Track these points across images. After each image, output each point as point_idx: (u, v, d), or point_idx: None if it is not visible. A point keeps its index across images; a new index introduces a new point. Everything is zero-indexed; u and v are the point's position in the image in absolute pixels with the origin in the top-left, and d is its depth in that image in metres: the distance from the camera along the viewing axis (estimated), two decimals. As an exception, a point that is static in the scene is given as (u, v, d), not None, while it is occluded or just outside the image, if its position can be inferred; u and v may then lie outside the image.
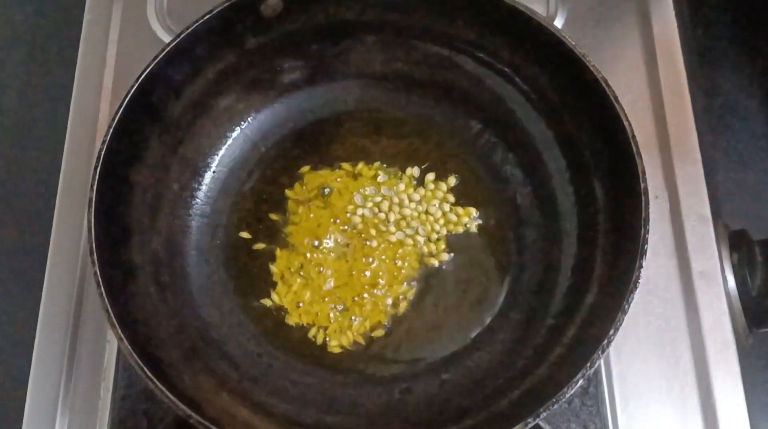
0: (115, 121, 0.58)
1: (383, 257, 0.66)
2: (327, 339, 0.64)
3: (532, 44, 0.63)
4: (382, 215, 0.67)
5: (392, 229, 0.67)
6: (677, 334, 0.66)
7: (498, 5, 0.62)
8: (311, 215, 0.68)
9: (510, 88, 0.67)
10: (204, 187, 0.68)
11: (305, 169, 0.69)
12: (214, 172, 0.69)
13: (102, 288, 0.53)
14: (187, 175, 0.67)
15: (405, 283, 0.65)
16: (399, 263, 0.66)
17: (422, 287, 0.65)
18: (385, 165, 0.70)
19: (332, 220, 0.67)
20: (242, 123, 0.70)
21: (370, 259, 0.66)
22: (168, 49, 0.60)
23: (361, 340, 0.64)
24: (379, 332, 0.64)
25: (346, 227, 0.67)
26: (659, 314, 0.67)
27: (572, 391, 0.51)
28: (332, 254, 0.66)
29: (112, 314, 0.53)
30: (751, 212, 0.77)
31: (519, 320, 0.63)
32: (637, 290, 0.53)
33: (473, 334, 0.64)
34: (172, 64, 0.61)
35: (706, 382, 0.64)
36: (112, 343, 0.66)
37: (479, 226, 0.67)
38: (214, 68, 0.66)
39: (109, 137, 0.58)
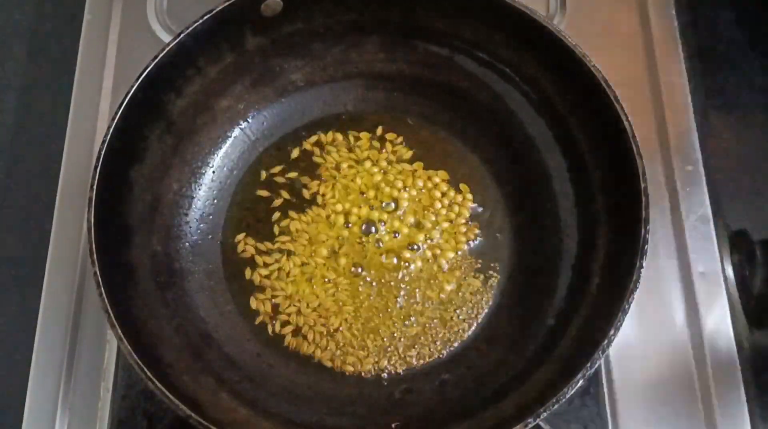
0: (115, 121, 0.58)
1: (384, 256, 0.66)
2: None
3: (533, 44, 0.63)
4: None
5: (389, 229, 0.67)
6: (677, 334, 0.66)
7: (498, 5, 0.62)
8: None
9: (510, 89, 0.67)
10: (204, 187, 0.68)
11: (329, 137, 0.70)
12: (213, 172, 0.69)
13: (102, 288, 0.53)
14: (187, 175, 0.67)
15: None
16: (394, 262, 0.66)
17: (421, 289, 0.66)
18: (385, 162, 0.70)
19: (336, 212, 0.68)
20: (242, 123, 0.70)
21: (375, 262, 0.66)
22: (168, 49, 0.60)
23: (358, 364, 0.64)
24: (376, 334, 0.64)
25: (349, 233, 0.67)
26: (659, 314, 0.67)
27: (572, 392, 0.51)
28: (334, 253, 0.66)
29: (112, 314, 0.53)
30: (751, 212, 0.77)
31: (519, 320, 0.63)
32: (637, 290, 0.53)
33: (473, 335, 0.64)
34: (172, 64, 0.61)
35: (706, 382, 0.64)
36: (112, 343, 0.66)
37: (478, 226, 0.68)
38: (214, 68, 0.66)
39: (109, 137, 0.58)
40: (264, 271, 0.66)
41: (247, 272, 0.66)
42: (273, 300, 0.65)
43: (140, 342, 0.54)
